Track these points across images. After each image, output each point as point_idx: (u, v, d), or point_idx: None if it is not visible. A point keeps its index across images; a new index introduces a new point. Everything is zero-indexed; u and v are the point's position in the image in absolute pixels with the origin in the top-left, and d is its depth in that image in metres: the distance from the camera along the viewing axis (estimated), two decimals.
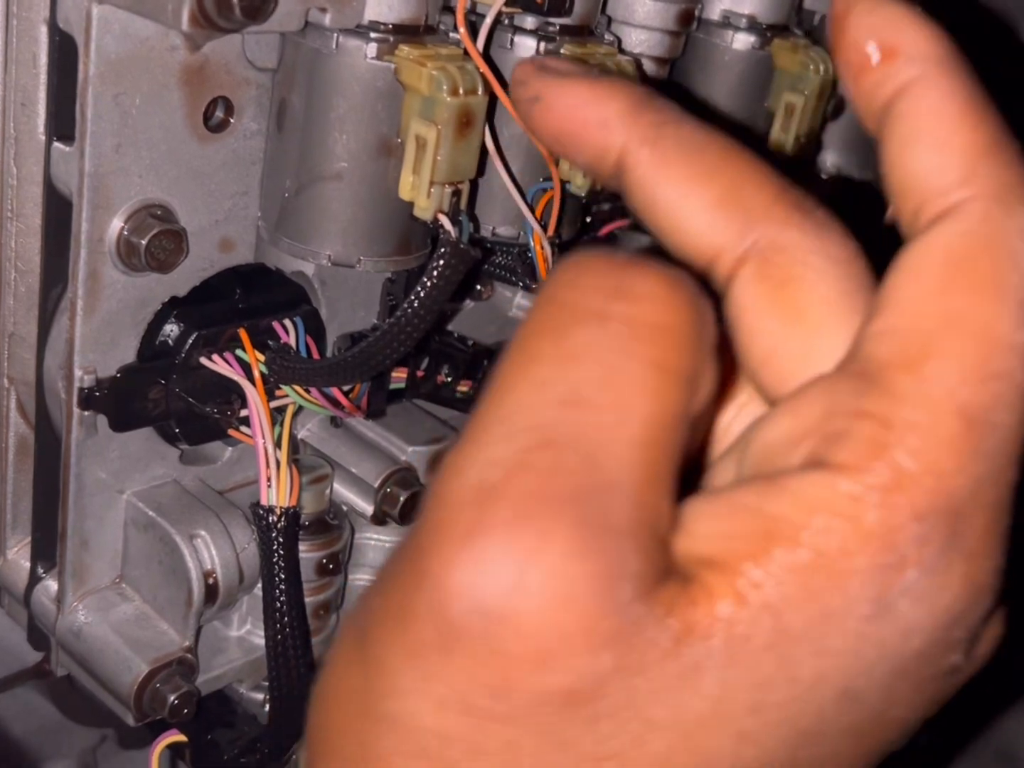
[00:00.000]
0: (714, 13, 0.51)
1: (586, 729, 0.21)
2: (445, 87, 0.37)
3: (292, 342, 0.45)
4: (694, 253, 0.26)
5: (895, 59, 0.25)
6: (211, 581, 0.43)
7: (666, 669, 0.21)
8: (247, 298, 0.44)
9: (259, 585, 0.45)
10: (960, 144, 0.24)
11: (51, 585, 0.46)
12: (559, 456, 0.21)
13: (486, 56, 0.40)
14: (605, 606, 0.21)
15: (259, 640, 0.47)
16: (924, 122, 0.24)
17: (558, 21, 0.43)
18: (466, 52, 0.39)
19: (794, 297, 0.25)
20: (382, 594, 0.23)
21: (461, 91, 0.37)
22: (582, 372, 0.22)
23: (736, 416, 0.28)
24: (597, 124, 0.27)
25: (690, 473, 0.25)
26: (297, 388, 0.44)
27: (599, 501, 0.21)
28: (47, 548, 0.46)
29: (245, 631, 0.48)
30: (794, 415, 0.24)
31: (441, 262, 0.39)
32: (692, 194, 0.26)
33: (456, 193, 0.39)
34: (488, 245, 0.46)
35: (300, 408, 0.45)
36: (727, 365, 0.26)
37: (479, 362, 0.53)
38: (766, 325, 0.25)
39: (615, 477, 0.21)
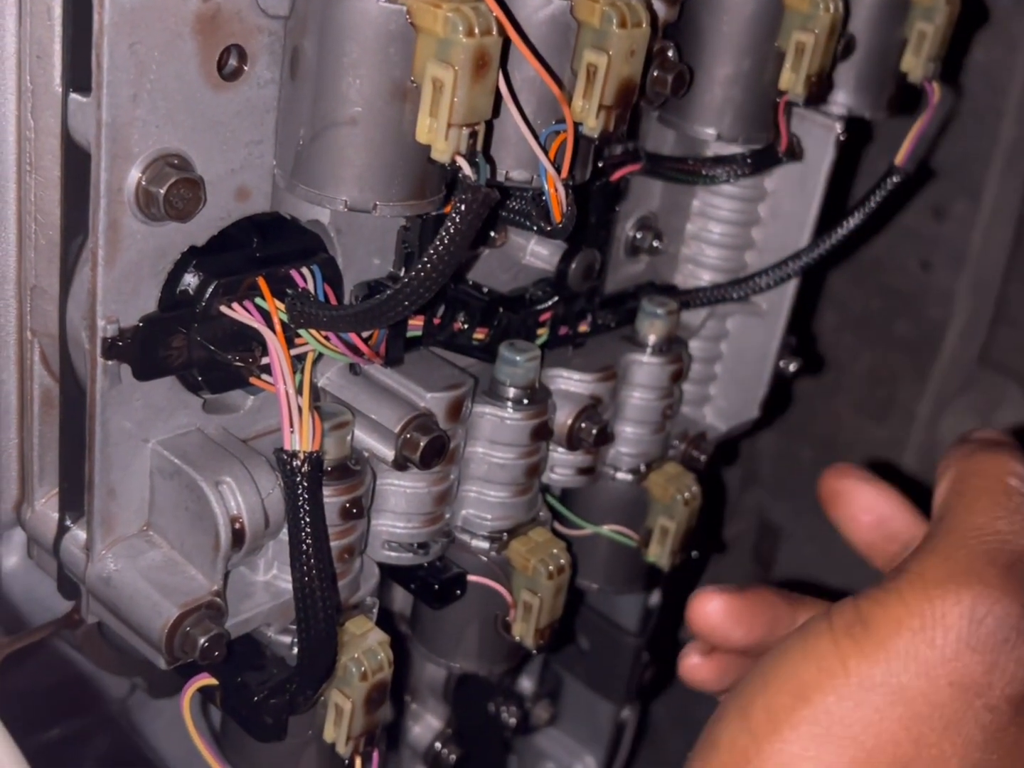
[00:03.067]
0: None
1: None
2: (461, 28, 0.37)
3: (310, 290, 0.45)
4: None
5: None
6: (237, 526, 0.44)
7: None
8: (265, 247, 0.45)
9: (284, 530, 0.46)
10: None
11: (79, 534, 0.47)
12: None
13: None
14: None
15: (285, 584, 0.47)
16: None
17: None
18: None
19: None
20: None
21: (477, 32, 0.37)
22: None
23: None
24: None
25: None
26: (316, 335, 0.44)
27: None
28: (74, 498, 0.47)
29: (271, 576, 0.48)
30: None
31: (463, 205, 0.39)
32: None
33: (473, 135, 0.39)
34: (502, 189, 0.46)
35: (319, 356, 0.46)
36: None
37: (495, 309, 0.54)
38: None
39: None
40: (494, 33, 0.38)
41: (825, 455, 0.96)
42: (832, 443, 0.97)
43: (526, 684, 0.79)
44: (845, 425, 0.96)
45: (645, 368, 0.60)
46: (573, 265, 0.55)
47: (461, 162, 0.39)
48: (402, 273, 0.49)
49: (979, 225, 0.87)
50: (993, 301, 0.91)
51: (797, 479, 0.99)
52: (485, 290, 0.54)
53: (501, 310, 0.54)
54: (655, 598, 0.74)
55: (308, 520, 0.44)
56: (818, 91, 0.53)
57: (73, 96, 0.40)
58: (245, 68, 0.42)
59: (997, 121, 0.84)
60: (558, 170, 0.44)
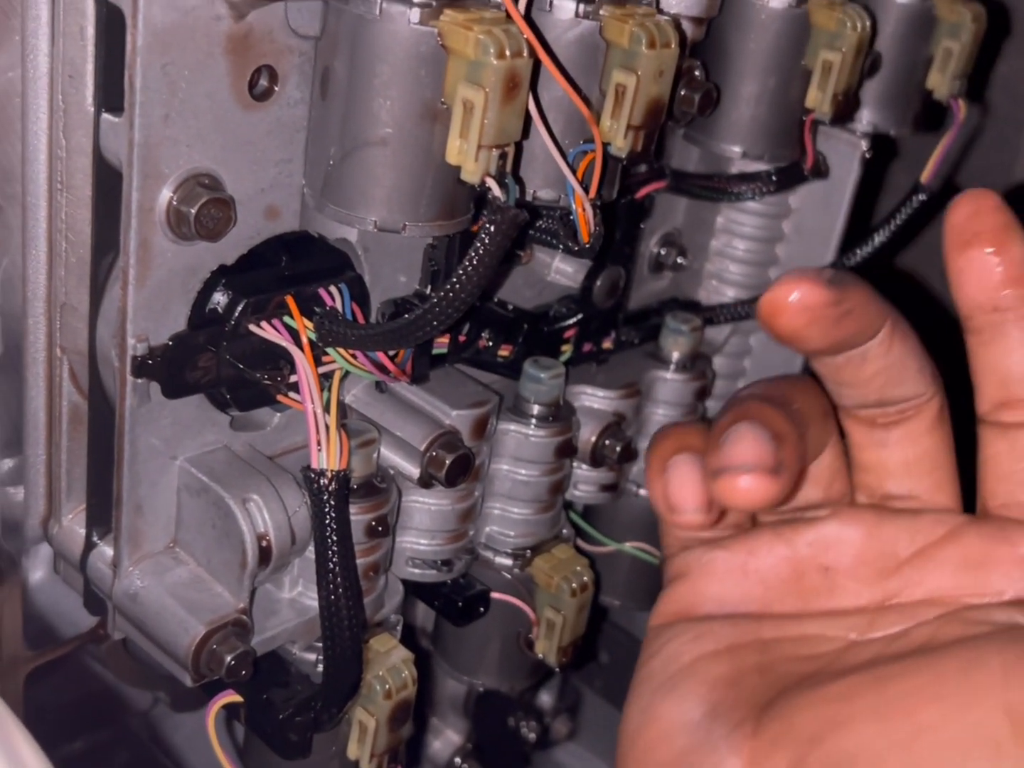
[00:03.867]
0: None
1: None
2: (492, 51, 0.37)
3: (338, 308, 0.45)
4: None
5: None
6: (264, 543, 0.44)
7: None
8: (293, 265, 0.45)
9: (310, 548, 0.46)
10: None
11: (106, 550, 0.47)
12: None
13: (527, 19, 0.40)
14: None
15: (310, 602, 0.47)
16: None
17: None
18: (508, 15, 0.39)
19: None
20: None
21: (508, 54, 0.37)
22: None
23: None
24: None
25: None
26: (344, 353, 0.44)
27: None
28: (102, 514, 0.47)
29: (296, 593, 0.48)
30: None
31: (492, 226, 0.39)
32: None
33: (503, 156, 0.39)
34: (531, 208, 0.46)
35: (346, 374, 0.46)
36: None
37: (519, 326, 0.54)
38: None
39: None
40: (525, 55, 0.38)
41: None
42: None
43: (545, 699, 0.79)
44: None
45: (669, 385, 0.60)
46: (598, 282, 0.55)
47: (491, 183, 0.39)
48: (428, 291, 0.49)
49: None
50: None
51: None
52: (510, 307, 0.54)
53: (526, 327, 0.54)
54: None
55: (335, 538, 0.44)
56: (844, 109, 0.53)
57: (105, 116, 0.41)
58: (276, 88, 0.42)
59: (1018, 134, 0.83)
60: (586, 190, 0.44)
